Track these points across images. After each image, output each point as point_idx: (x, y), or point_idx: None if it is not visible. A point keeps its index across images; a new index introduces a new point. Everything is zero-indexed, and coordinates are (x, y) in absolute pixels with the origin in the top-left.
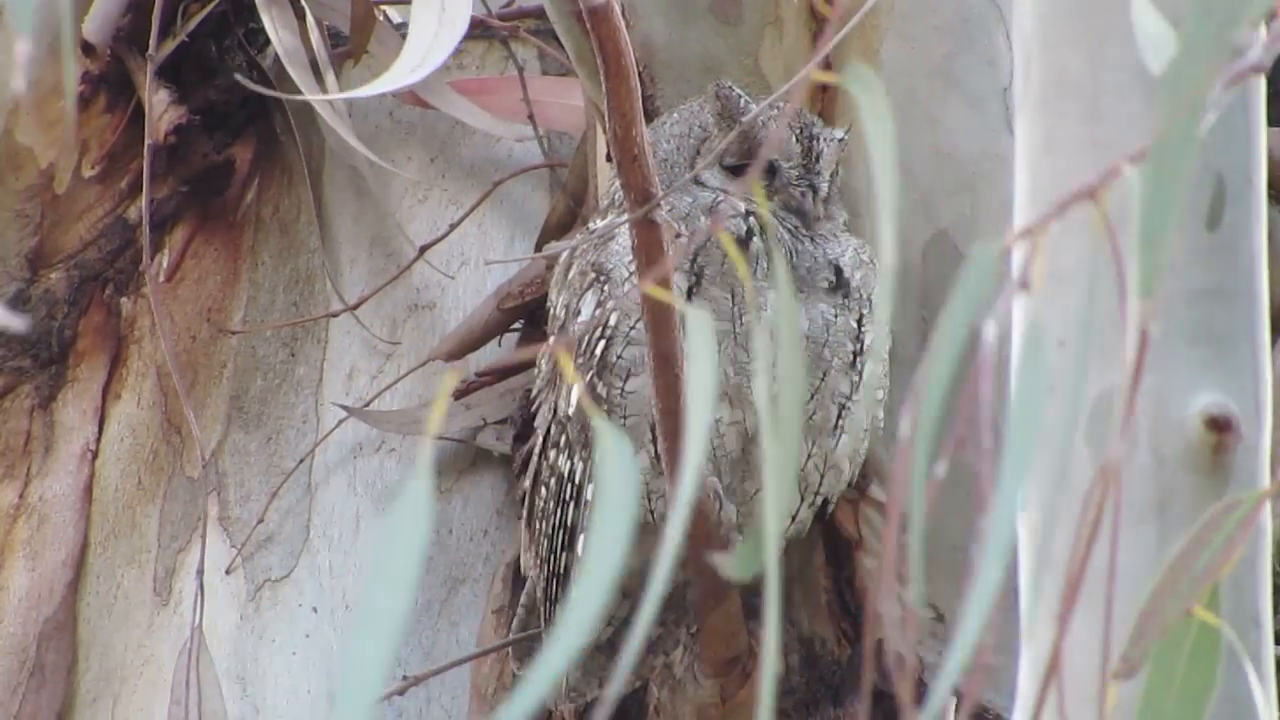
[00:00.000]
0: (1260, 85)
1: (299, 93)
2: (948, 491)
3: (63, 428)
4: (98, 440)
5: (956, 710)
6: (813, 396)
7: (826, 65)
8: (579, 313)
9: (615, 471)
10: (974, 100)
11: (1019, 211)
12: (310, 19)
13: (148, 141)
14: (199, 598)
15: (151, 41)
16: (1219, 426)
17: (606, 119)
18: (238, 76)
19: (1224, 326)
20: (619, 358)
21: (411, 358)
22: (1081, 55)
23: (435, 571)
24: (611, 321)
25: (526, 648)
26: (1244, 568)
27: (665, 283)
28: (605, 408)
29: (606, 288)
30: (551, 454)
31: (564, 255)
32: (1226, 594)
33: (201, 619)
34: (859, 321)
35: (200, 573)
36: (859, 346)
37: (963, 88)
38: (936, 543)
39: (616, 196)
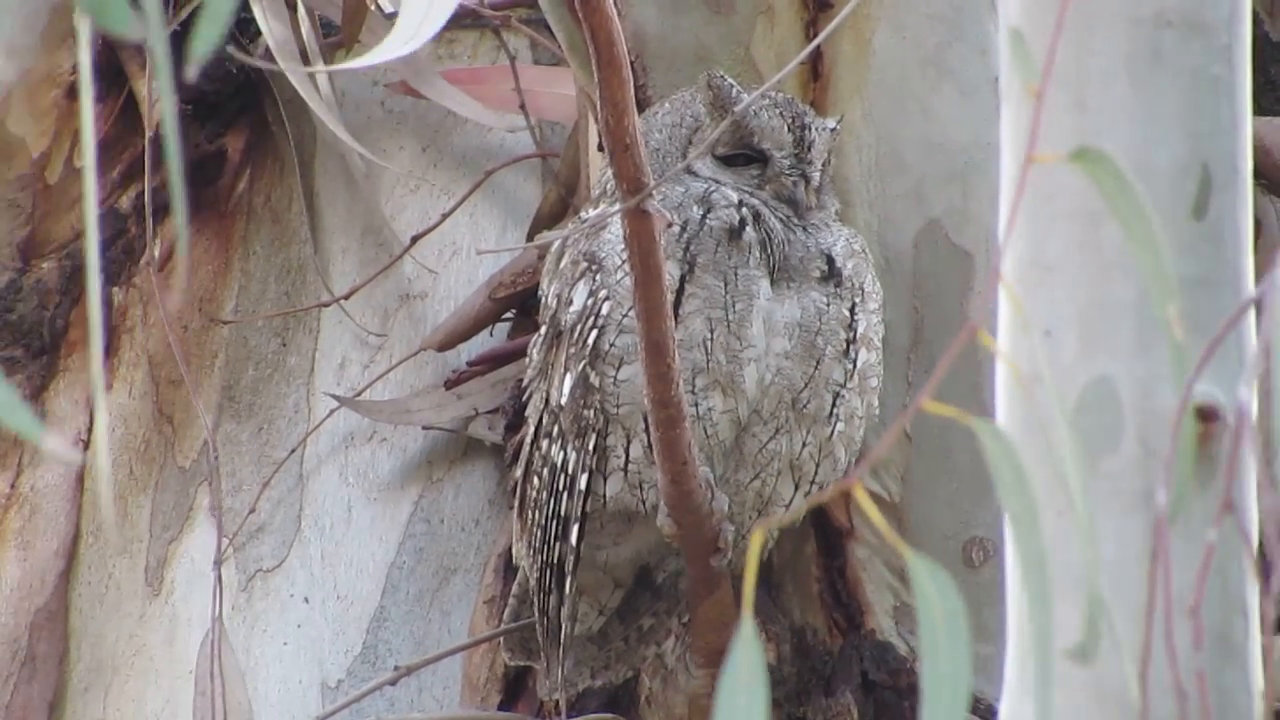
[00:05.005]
0: (1245, 73)
1: (290, 84)
2: (939, 482)
3: (54, 418)
4: (89, 430)
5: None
6: (806, 385)
7: (818, 54)
8: (571, 302)
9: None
10: (966, 89)
11: (1005, 202)
12: (301, 9)
13: (148, 132)
14: (217, 588)
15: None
16: (1206, 416)
17: (598, 108)
18: (230, 49)
19: (1210, 316)
20: (611, 346)
21: (403, 347)
22: (1068, 44)
23: (427, 561)
24: (604, 310)
25: (518, 637)
26: (1230, 557)
27: (658, 273)
28: (599, 396)
29: (599, 277)
30: (544, 444)
31: (556, 245)
32: (1213, 583)
33: (221, 610)
34: (851, 310)
35: (217, 563)
36: (852, 335)
37: (955, 77)
38: (928, 532)
39: (608, 186)
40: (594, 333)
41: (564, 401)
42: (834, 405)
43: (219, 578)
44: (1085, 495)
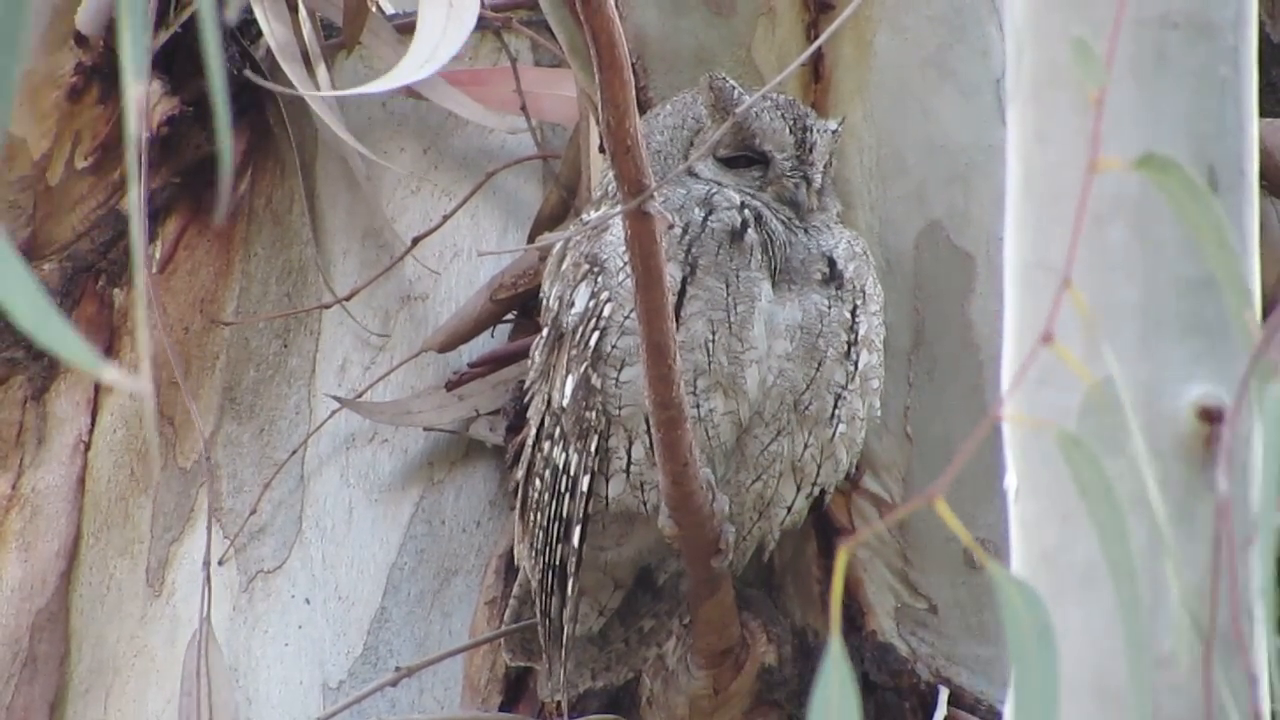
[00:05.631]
0: (1251, 75)
1: (292, 85)
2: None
3: (55, 419)
4: (90, 431)
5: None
6: (808, 387)
7: (819, 56)
8: (573, 304)
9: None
10: (967, 91)
11: (1011, 203)
12: (303, 10)
13: (146, 132)
14: (206, 589)
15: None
16: (1210, 417)
17: (599, 110)
18: (247, 73)
19: (1215, 318)
20: (613, 348)
21: (404, 349)
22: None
23: (428, 563)
24: (606, 312)
25: (519, 638)
26: (1239, 558)
27: (660, 274)
28: (600, 398)
29: (600, 278)
30: (545, 445)
31: (557, 247)
32: (1221, 584)
33: (209, 610)
34: (853, 312)
35: (206, 563)
36: (853, 337)
37: (956, 78)
38: (930, 533)
39: (610, 188)
40: (596, 334)
41: (566, 403)
42: (835, 407)
43: (208, 578)
44: (1165, 506)
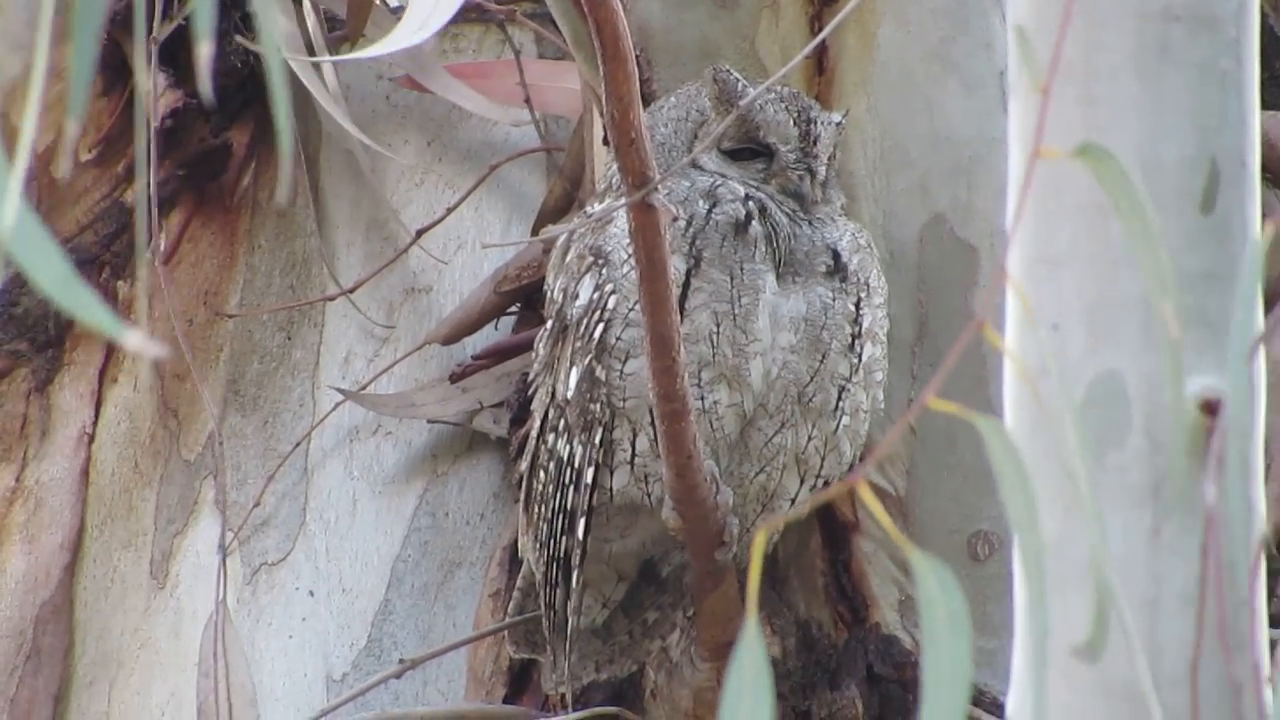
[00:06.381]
0: (1254, 68)
1: (295, 78)
2: (944, 476)
3: (59, 411)
4: (94, 424)
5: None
6: (812, 379)
7: (823, 48)
8: (577, 296)
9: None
10: (971, 83)
11: (1014, 196)
12: (307, 3)
13: (153, 123)
14: (221, 572)
15: (155, 25)
16: (1212, 410)
17: (604, 103)
18: (239, 39)
19: (1218, 310)
20: (617, 340)
21: (408, 341)
22: (1075, 39)
23: (432, 555)
24: (610, 304)
25: (523, 631)
26: (1238, 549)
27: (664, 267)
28: (604, 390)
29: (605, 271)
30: (549, 438)
31: (561, 239)
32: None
33: (225, 594)
34: (857, 305)
35: (222, 547)
36: (857, 329)
37: (960, 71)
38: (933, 526)
39: (614, 180)
40: (600, 327)
41: (570, 395)
42: (839, 399)
43: (223, 560)
44: (1091, 490)
